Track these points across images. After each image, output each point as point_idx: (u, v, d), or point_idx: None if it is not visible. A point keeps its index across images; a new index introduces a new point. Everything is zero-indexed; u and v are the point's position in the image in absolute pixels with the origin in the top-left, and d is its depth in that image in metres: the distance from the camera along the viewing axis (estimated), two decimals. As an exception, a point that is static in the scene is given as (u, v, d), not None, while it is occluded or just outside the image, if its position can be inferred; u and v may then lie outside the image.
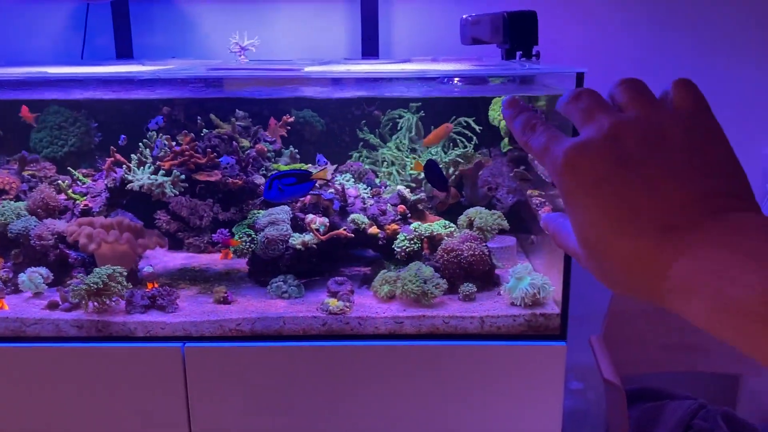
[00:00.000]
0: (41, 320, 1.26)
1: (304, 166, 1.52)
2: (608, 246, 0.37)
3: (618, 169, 0.36)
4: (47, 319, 1.26)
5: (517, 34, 1.41)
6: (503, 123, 1.57)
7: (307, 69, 1.30)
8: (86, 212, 1.45)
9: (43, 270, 1.36)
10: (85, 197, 1.49)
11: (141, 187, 1.37)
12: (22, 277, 1.34)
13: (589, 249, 0.38)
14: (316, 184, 1.35)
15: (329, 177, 1.42)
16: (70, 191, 1.50)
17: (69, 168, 1.56)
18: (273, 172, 1.37)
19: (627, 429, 1.43)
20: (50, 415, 1.26)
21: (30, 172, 1.58)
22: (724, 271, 0.32)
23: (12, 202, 1.47)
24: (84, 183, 1.55)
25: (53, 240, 1.39)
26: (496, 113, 1.61)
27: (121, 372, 1.24)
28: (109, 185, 1.45)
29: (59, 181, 1.52)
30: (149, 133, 1.47)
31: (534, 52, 1.44)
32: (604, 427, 1.78)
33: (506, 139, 1.57)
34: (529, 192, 1.45)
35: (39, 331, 1.26)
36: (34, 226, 1.40)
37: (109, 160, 1.46)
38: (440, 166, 1.47)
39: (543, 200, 1.39)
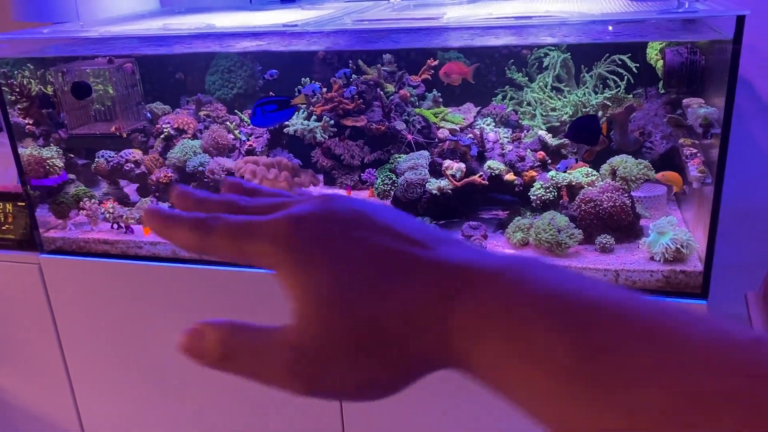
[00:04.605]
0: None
1: (446, 111, 1.55)
2: (378, 296, 0.29)
3: (347, 228, 0.31)
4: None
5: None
6: (660, 63, 1.47)
7: (452, 13, 1.31)
8: (250, 152, 1.61)
9: (215, 202, 1.54)
10: (250, 137, 1.64)
11: (296, 131, 1.49)
12: (198, 208, 1.53)
13: (344, 309, 0.30)
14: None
15: (465, 121, 1.44)
16: (237, 132, 1.66)
17: (236, 111, 1.72)
18: (257, 100, 1.46)
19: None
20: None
21: (205, 113, 1.76)
22: (519, 310, 0.27)
23: (190, 141, 1.67)
24: (249, 125, 1.71)
25: (223, 175, 1.56)
26: (653, 51, 1.51)
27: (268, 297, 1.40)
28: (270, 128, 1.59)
29: (228, 122, 1.70)
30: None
31: (701, -14, 1.31)
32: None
33: (662, 82, 1.47)
34: (681, 140, 1.36)
35: (211, 257, 1.45)
36: (208, 162, 1.59)
37: (270, 103, 1.59)
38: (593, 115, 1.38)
39: (695, 151, 1.30)
